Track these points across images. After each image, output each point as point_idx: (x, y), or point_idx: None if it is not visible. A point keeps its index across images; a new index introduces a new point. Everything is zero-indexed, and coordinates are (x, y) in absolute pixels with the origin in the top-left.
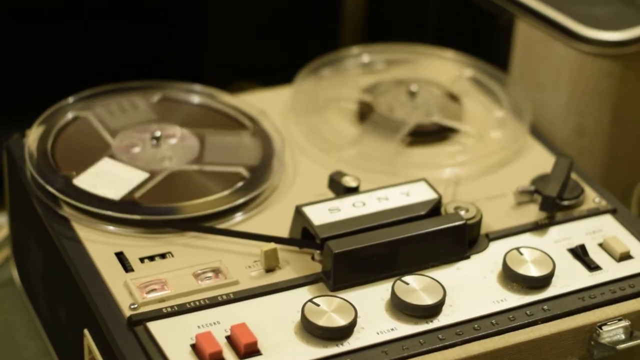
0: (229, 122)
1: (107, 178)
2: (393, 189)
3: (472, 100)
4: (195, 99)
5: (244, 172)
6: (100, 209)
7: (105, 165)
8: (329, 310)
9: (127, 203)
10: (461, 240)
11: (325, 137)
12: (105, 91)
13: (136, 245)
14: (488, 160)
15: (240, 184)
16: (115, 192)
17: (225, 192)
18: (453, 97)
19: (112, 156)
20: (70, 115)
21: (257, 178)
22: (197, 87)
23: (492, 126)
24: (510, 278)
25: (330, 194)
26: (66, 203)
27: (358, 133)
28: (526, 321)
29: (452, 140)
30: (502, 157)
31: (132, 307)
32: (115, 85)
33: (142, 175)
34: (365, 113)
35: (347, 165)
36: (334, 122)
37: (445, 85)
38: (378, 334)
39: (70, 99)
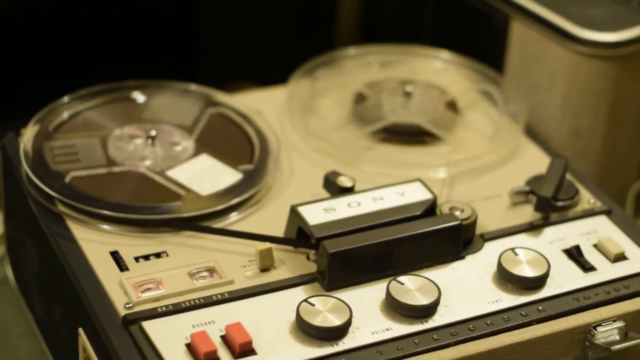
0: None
1: (200, 174)
2: (388, 189)
3: (476, 113)
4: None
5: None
6: (95, 208)
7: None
8: (324, 310)
9: (122, 202)
10: (456, 240)
11: (320, 137)
12: (101, 90)
13: (131, 244)
14: (483, 160)
15: (236, 183)
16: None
17: (221, 192)
18: (451, 106)
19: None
20: (65, 115)
21: (252, 178)
22: (193, 86)
23: (480, 141)
24: (505, 278)
25: (326, 194)
26: (61, 202)
27: (341, 120)
28: (521, 322)
29: (429, 145)
30: (498, 158)
31: (127, 306)
32: (110, 84)
33: (237, 176)
34: (356, 103)
35: (330, 158)
36: (329, 122)
37: (448, 91)
38: (373, 334)
39: (66, 98)
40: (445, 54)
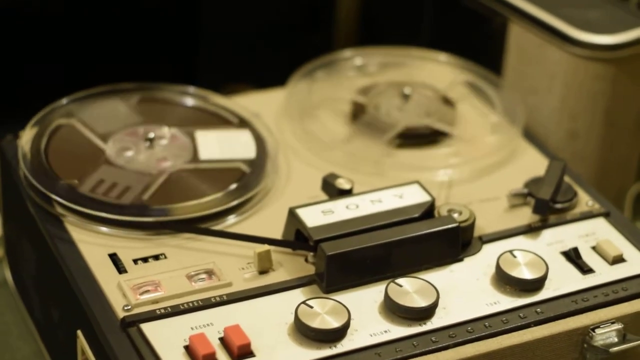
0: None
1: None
2: (386, 192)
3: (466, 105)
4: (189, 101)
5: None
6: (93, 210)
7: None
8: (322, 312)
9: (120, 204)
10: (454, 242)
11: (318, 140)
12: (99, 93)
13: (130, 246)
14: (481, 163)
15: (234, 185)
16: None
17: (219, 194)
18: (447, 101)
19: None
20: (63, 117)
21: (250, 180)
22: (191, 89)
23: (485, 130)
24: (504, 281)
25: (324, 196)
26: (59, 204)
27: (348, 133)
28: (519, 324)
29: (443, 144)
30: (496, 160)
31: (126, 308)
32: (108, 87)
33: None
34: (357, 113)
35: (336, 166)
36: (328, 124)
37: (440, 89)
38: (371, 336)
39: (64, 101)
40: (443, 57)
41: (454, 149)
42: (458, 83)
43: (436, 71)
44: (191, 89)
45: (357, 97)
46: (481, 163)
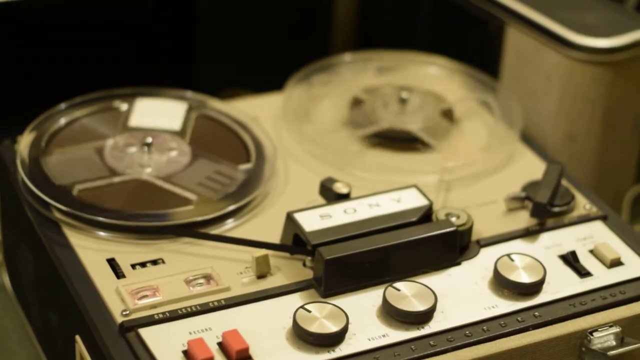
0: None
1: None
2: (384, 196)
3: (468, 119)
4: (187, 106)
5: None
6: (91, 215)
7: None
8: (321, 317)
9: (118, 209)
10: (452, 246)
11: (313, 140)
12: (97, 98)
13: (128, 251)
14: (479, 166)
15: (232, 190)
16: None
17: (217, 199)
18: (447, 114)
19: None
20: (61, 122)
21: (248, 185)
22: (189, 93)
23: (474, 151)
24: (502, 284)
25: (322, 201)
26: (57, 209)
27: (334, 124)
28: (517, 327)
29: (421, 152)
30: (493, 164)
31: (124, 313)
32: (106, 92)
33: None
34: (352, 108)
35: (311, 158)
36: (325, 128)
37: (444, 98)
38: (369, 340)
39: (62, 106)
40: (440, 60)
41: (428, 158)
42: (469, 97)
43: (448, 80)
44: (189, 93)
45: (360, 94)
46: (479, 167)
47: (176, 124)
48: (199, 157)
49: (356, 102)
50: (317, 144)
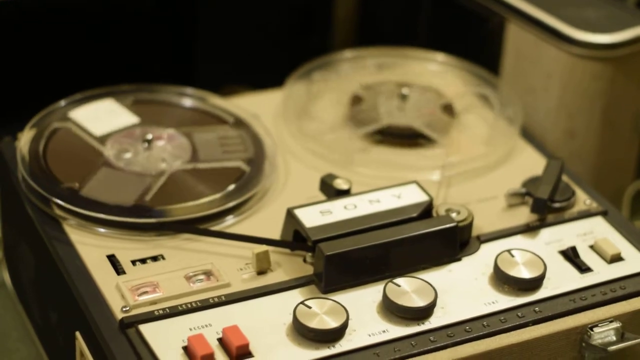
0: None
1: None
2: (384, 192)
3: (471, 116)
4: (187, 102)
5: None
6: (92, 211)
7: None
8: (321, 313)
9: (119, 206)
10: (452, 242)
11: (314, 139)
12: (97, 94)
13: (128, 247)
14: (479, 162)
15: (232, 186)
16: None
17: (217, 195)
18: (447, 109)
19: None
20: (62, 119)
21: (249, 181)
22: (189, 90)
23: (477, 145)
24: (502, 280)
25: (322, 197)
26: (57, 206)
27: (335, 123)
28: (517, 323)
29: (424, 148)
30: (493, 160)
31: (124, 309)
32: (106, 88)
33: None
34: (352, 106)
35: (311, 154)
36: (325, 124)
37: (444, 94)
38: (369, 336)
39: (62, 102)
40: (441, 57)
41: (429, 154)
42: (469, 93)
43: (448, 77)
44: (189, 90)
45: (359, 91)
46: (479, 162)
47: (131, 118)
48: (193, 134)
49: (356, 99)
50: (317, 140)
